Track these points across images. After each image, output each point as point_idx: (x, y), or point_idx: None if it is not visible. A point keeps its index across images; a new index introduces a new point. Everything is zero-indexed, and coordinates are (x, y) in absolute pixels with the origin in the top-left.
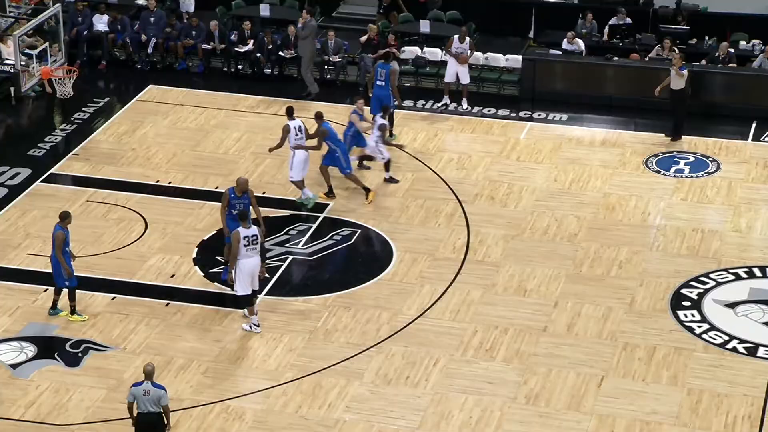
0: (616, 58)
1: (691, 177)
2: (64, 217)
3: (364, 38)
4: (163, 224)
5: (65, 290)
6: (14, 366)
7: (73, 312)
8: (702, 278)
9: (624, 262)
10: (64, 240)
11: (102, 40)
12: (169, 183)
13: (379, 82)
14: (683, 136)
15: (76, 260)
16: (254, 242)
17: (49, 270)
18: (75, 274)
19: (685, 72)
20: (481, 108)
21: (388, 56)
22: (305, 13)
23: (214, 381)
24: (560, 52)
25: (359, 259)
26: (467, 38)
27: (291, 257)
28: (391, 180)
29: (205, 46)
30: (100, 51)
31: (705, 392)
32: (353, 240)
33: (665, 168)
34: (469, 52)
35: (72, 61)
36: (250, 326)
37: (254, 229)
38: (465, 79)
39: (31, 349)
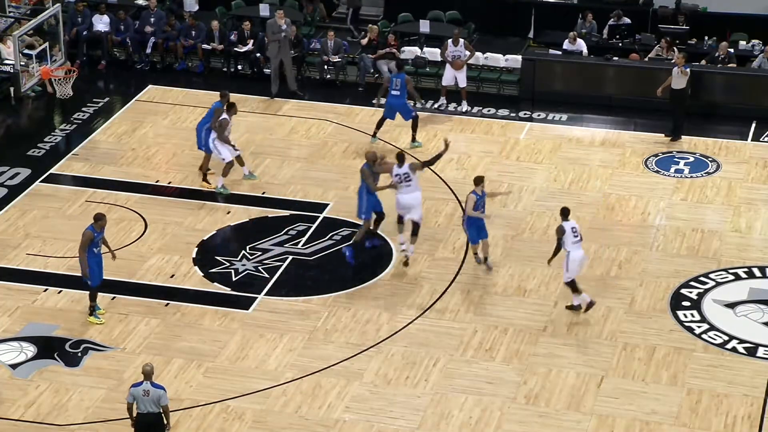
0: (615, 58)
1: (691, 177)
2: (98, 219)
3: (365, 41)
4: (163, 224)
5: (93, 286)
6: (14, 366)
7: (91, 313)
8: (702, 278)
9: (624, 262)
10: (91, 240)
11: (102, 40)
12: (169, 183)
13: (394, 92)
14: (683, 136)
15: (74, 261)
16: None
17: (48, 270)
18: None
19: (687, 71)
20: (480, 108)
21: (401, 65)
22: (283, 13)
23: (214, 381)
24: (560, 52)
25: (359, 259)
26: (461, 40)
27: (291, 257)
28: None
29: (204, 46)
30: (100, 51)
31: (705, 392)
32: (353, 240)
33: (665, 168)
34: (467, 54)
35: (72, 61)
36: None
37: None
38: (463, 82)
39: (30, 349)
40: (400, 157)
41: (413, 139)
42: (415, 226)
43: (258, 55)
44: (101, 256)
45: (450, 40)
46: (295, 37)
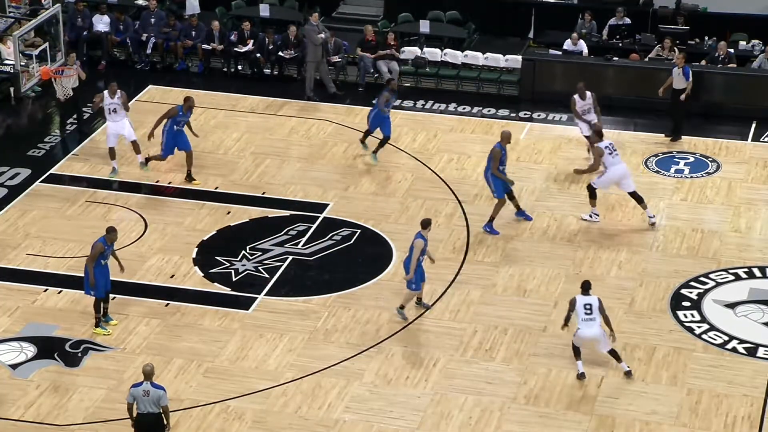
0: (616, 58)
1: (691, 177)
2: (109, 231)
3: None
4: (163, 224)
5: (108, 294)
6: (14, 366)
7: (97, 324)
8: (702, 278)
9: (624, 262)
10: (101, 252)
11: (102, 40)
12: (169, 183)
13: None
14: (683, 136)
15: (74, 261)
16: None
17: (48, 270)
18: (84, 278)
19: (689, 76)
20: (480, 108)
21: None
22: (317, 15)
23: (214, 381)
24: (560, 52)
25: (359, 259)
26: (588, 93)
27: (291, 257)
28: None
29: (204, 46)
30: (100, 51)
31: (705, 392)
32: (353, 240)
33: (665, 168)
34: (596, 107)
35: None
36: None
37: None
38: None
39: (30, 349)
40: (599, 132)
41: (362, 140)
42: (634, 196)
43: (258, 55)
44: (107, 267)
45: (577, 95)
46: (295, 37)
